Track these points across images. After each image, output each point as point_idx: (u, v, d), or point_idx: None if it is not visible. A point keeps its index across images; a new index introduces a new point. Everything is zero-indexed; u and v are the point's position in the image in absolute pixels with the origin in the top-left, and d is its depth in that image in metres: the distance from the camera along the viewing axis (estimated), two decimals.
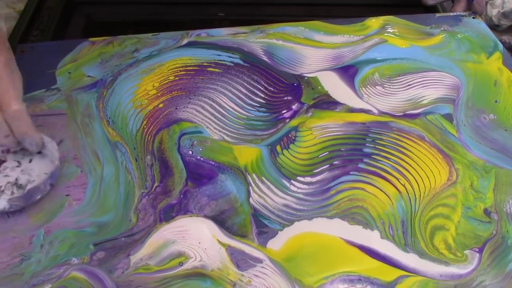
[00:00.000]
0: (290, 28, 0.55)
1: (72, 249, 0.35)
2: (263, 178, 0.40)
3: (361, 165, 0.42)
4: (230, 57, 0.51)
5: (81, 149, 0.42)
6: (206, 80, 0.48)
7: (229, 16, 0.56)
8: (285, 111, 0.46)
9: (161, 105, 0.46)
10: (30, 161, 0.39)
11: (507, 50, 0.56)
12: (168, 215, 0.38)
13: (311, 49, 0.52)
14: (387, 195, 0.40)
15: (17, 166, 0.39)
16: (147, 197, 0.39)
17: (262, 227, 0.37)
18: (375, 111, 0.46)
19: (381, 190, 0.40)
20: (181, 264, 0.35)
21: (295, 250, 0.36)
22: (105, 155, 0.41)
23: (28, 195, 0.37)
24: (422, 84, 0.49)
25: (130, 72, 0.49)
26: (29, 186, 0.37)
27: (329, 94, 0.48)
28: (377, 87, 0.48)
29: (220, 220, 0.38)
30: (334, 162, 0.42)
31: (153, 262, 0.35)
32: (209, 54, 0.51)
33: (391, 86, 0.49)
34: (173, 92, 0.47)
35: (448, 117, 0.46)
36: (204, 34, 0.53)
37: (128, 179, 0.40)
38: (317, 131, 0.44)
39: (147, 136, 0.43)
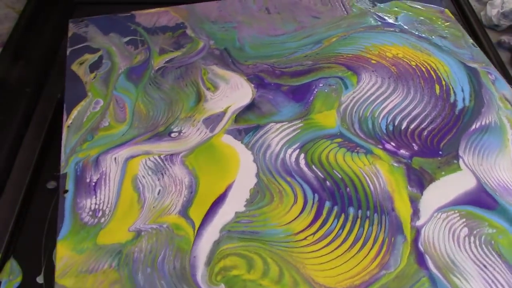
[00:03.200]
0: None
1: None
2: (300, 131, 0.44)
3: (328, 203, 0.39)
4: (463, 95, 0.48)
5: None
6: (409, 83, 0.49)
7: None
8: (390, 145, 0.43)
9: (373, 61, 0.51)
10: None
11: (507, 50, 0.60)
12: (254, 79, 0.49)
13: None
14: (294, 219, 0.38)
15: None
16: (267, 66, 0.51)
17: (248, 131, 0.44)
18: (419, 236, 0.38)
19: (299, 215, 0.38)
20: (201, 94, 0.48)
21: (220, 150, 0.43)
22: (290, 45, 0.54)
23: None
24: None
25: (402, 36, 0.55)
26: None
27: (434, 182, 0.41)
28: (470, 240, 0.38)
29: (251, 106, 0.46)
30: (327, 183, 0.41)
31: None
32: (461, 76, 0.50)
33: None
34: (388, 64, 0.51)
35: None
36: (492, 77, 0.50)
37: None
38: (372, 172, 0.42)
39: (322, 58, 0.52)
